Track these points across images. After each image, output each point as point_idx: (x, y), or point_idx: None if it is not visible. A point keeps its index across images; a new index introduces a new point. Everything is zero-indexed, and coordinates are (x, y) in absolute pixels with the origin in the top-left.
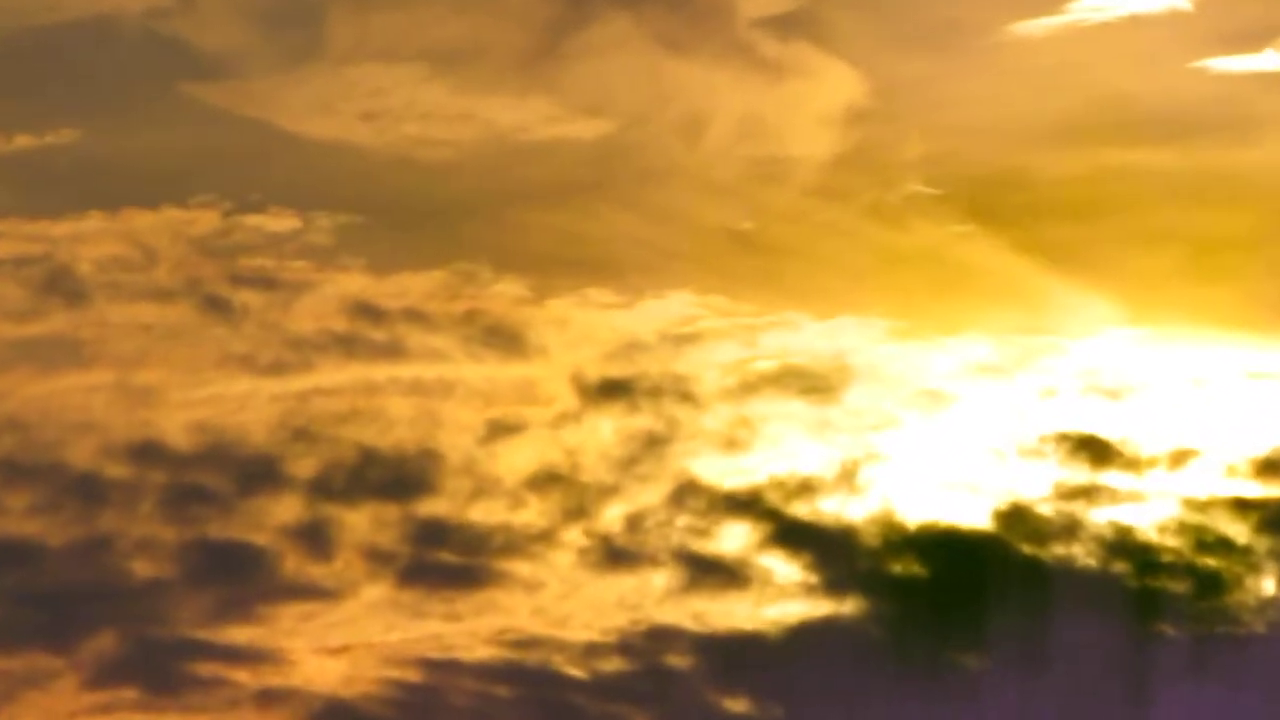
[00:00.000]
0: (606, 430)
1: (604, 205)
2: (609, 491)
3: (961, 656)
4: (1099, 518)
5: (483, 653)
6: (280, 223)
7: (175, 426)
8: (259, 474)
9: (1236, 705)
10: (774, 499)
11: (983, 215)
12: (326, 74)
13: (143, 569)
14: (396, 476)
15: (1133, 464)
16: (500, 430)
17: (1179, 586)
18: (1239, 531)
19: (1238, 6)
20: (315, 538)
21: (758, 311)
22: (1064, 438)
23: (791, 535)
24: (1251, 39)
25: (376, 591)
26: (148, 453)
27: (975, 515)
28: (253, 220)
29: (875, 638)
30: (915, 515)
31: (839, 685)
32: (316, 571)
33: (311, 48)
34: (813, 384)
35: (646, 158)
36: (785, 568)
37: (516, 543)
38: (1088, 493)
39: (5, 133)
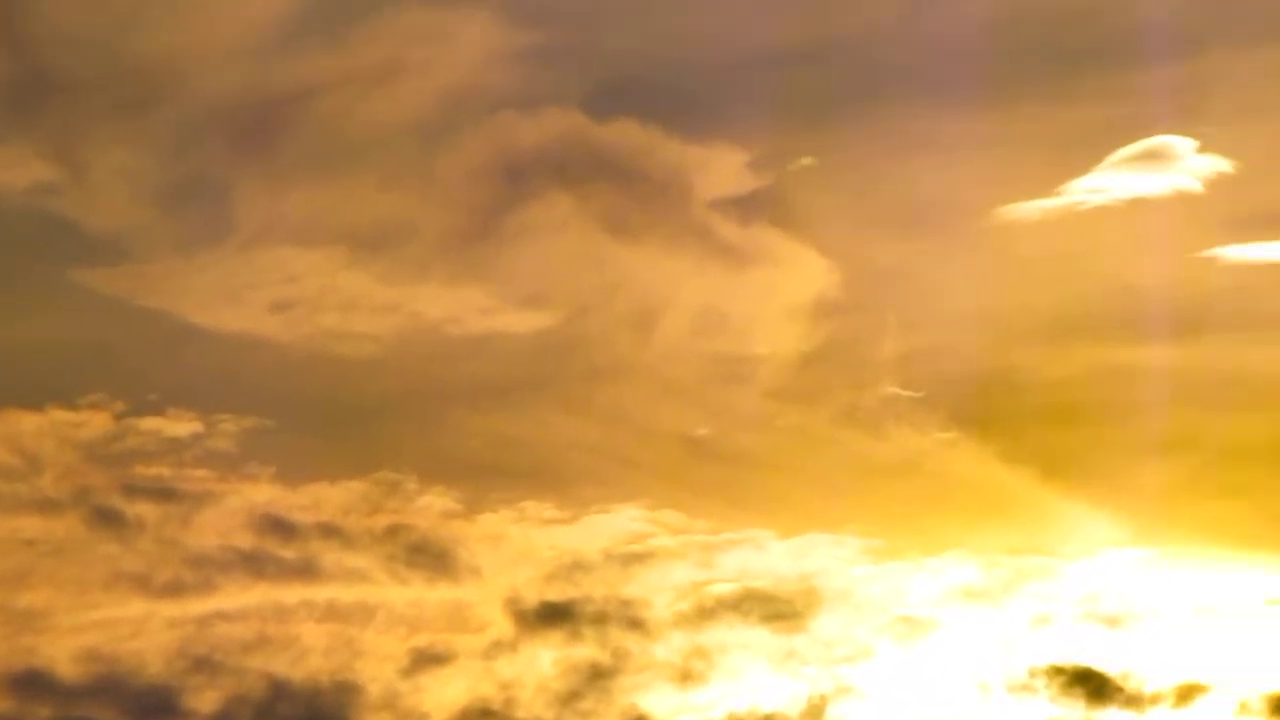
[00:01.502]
0: (545, 661)
1: (544, 407)
2: None
3: None
4: None
5: None
6: (179, 426)
7: (62, 654)
8: (155, 708)
9: None
10: None
11: (968, 420)
12: (233, 259)
13: None
14: (310, 712)
15: (1135, 700)
16: (426, 660)
17: None
18: None
19: (1252, 189)
20: None
21: (716, 528)
22: (1058, 670)
23: None
24: (1267, 225)
25: None
26: (32, 683)
27: None
28: (149, 423)
29: None
30: None
31: None
32: None
33: (216, 230)
34: (777, 610)
35: (592, 354)
36: None
37: None
38: None
39: None
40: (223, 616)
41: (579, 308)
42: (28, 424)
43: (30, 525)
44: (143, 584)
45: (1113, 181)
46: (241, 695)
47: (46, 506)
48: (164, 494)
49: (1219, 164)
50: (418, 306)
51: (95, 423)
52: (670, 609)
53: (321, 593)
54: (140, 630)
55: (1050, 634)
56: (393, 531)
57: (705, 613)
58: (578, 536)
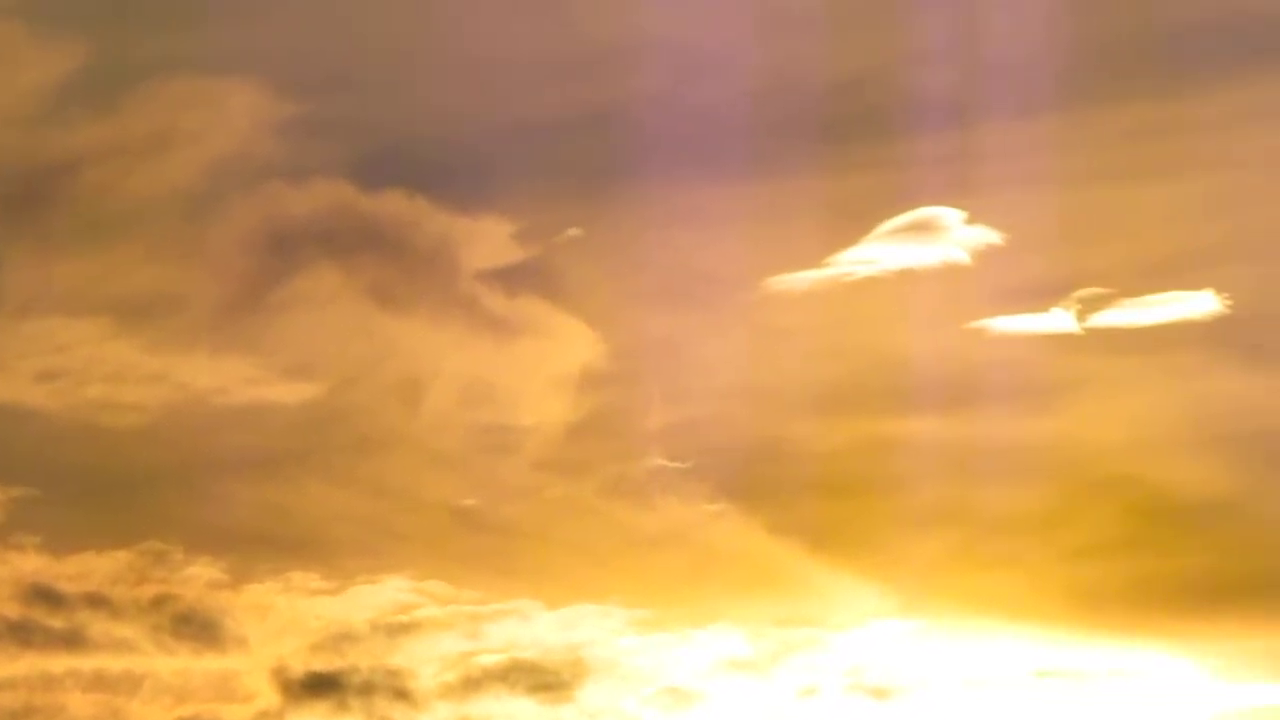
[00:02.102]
0: None
1: (311, 477)
2: None
3: None
4: None
5: None
6: None
7: None
8: None
9: None
10: None
11: (735, 492)
12: None
13: None
14: None
15: None
16: None
17: None
18: None
19: (1021, 262)
20: None
21: (483, 599)
22: None
23: None
24: (1035, 297)
25: None
26: None
27: None
28: None
29: None
30: None
31: None
32: None
33: None
34: (544, 680)
35: (359, 424)
36: None
37: None
38: None
39: None
40: None
41: (346, 378)
42: None
43: None
44: None
45: (881, 252)
46: None
47: None
48: None
49: (987, 235)
50: (184, 377)
51: None
52: (437, 679)
53: (88, 662)
54: None
55: (818, 705)
56: (159, 601)
57: (472, 683)
58: (344, 607)
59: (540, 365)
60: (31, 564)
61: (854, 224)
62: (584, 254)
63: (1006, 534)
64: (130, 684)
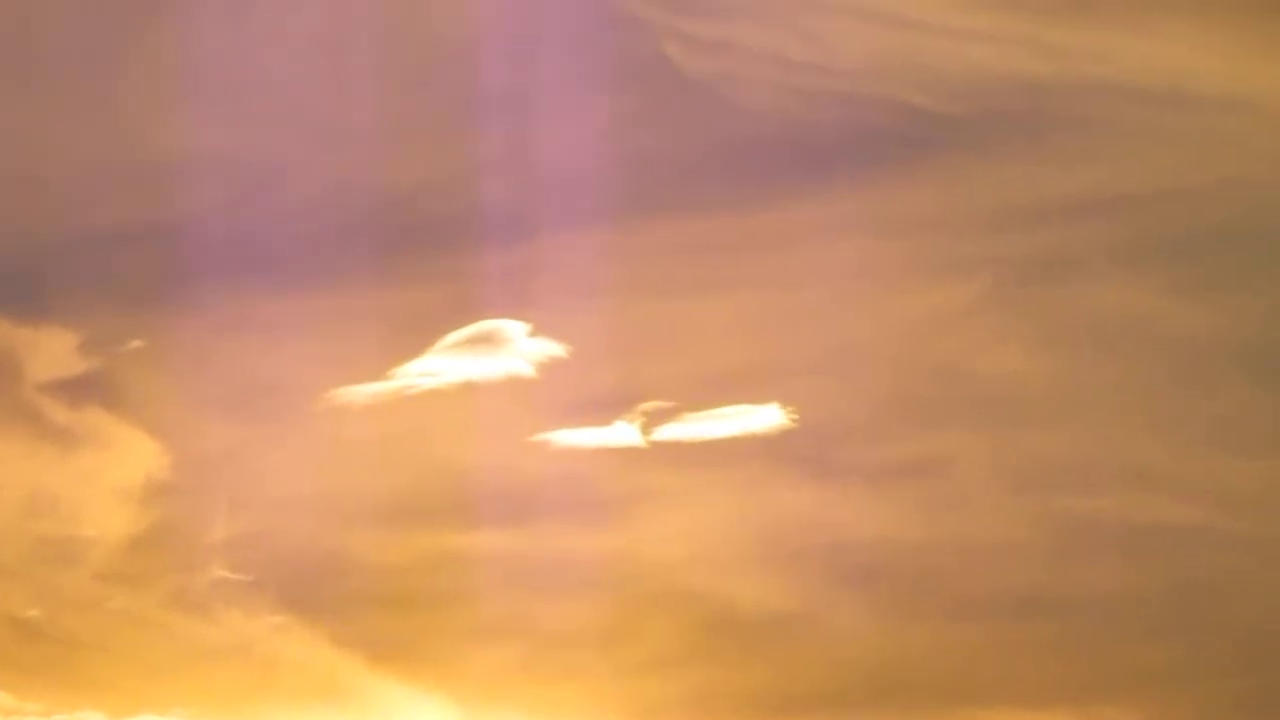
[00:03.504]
0: None
1: None
2: None
3: None
4: None
5: None
6: None
7: None
8: None
9: None
10: None
11: (299, 604)
12: None
13: None
14: None
15: None
16: None
17: None
18: None
19: (585, 375)
20: None
21: (48, 710)
22: None
23: None
24: (599, 410)
25: None
26: None
27: None
28: None
29: None
30: None
31: None
32: None
33: None
34: None
35: None
36: None
37: None
38: None
39: None
40: None
41: None
42: None
43: None
44: None
45: (444, 365)
46: None
47: None
48: None
49: (551, 348)
50: None
51: None
52: None
53: None
54: None
55: None
56: None
57: None
58: None
59: (103, 476)
60: None
61: (417, 336)
62: (147, 365)
63: (569, 647)
64: None
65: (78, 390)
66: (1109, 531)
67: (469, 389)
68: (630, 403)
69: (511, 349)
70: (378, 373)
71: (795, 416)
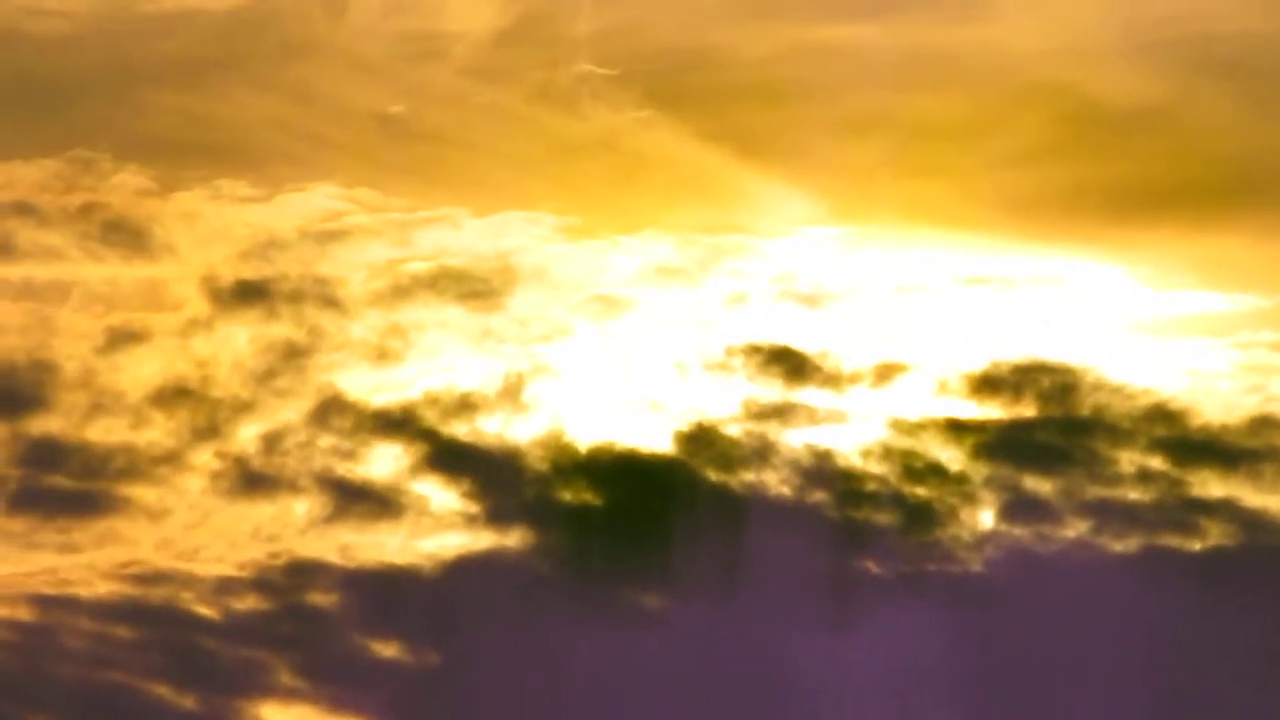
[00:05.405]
0: (241, 339)
1: (237, 85)
2: (244, 408)
3: (641, 592)
4: (794, 440)
5: (102, 588)
6: None
7: None
8: None
9: (938, 633)
10: (429, 417)
11: (664, 99)
12: None
13: None
14: (5, 390)
15: (833, 380)
16: (122, 338)
17: (884, 518)
18: (951, 457)
19: None
20: None
21: (411, 206)
22: (755, 349)
23: (449, 458)
24: None
25: None
26: None
27: (655, 437)
28: None
29: (545, 573)
30: (588, 436)
31: (503, 626)
32: None
33: None
34: (473, 288)
35: (284, 31)
36: (442, 495)
37: (140, 465)
38: (781, 412)
39: None
40: None
41: None
42: None
43: None
44: None
45: None
46: None
47: None
48: None
49: None
50: None
51: None
52: (365, 287)
53: (16, 271)
54: None
55: (747, 313)
56: (87, 210)
57: (401, 291)
58: (272, 215)
59: None
60: None
61: None
62: None
63: (933, 142)
64: (58, 293)
65: None
66: None
67: None
68: None
69: None
70: None
71: None
